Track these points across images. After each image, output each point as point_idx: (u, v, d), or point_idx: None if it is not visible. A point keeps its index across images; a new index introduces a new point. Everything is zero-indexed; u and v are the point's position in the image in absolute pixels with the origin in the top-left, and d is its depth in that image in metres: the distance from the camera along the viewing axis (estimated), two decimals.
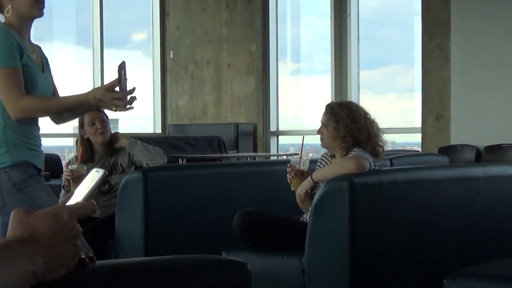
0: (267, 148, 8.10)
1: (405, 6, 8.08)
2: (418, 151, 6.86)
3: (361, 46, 7.89)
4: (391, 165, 4.15)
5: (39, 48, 2.28)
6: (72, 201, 0.78)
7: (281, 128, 8.30)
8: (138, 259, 0.86)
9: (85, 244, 2.34)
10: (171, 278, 0.76)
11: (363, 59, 7.89)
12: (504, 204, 3.17)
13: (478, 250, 2.91)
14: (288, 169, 2.98)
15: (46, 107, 2.11)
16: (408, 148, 7.59)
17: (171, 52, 8.65)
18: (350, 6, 7.73)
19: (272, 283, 2.95)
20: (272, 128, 8.12)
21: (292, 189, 2.97)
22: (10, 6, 2.04)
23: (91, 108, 2.25)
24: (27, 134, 2.13)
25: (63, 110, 2.17)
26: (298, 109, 9.07)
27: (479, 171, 3.33)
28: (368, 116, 2.94)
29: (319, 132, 2.91)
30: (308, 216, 2.85)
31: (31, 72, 2.05)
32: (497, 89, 6.68)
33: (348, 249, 2.54)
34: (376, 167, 2.84)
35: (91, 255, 0.72)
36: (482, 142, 6.51)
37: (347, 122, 2.84)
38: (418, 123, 7.09)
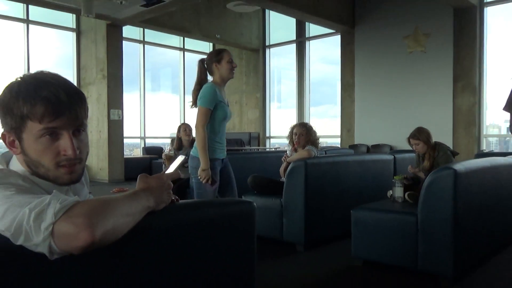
0: (264, 145, 10.74)
1: (333, 74, 10.00)
2: (338, 147, 9.05)
3: (311, 94, 10.47)
4: (325, 153, 5.08)
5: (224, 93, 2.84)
6: (168, 171, 1.10)
7: (272, 135, 11.13)
8: (192, 200, 1.17)
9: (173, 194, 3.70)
10: (207, 209, 1.09)
11: (312, 101, 10.54)
12: (375, 171, 4.23)
13: (368, 196, 3.66)
14: (282, 159, 3.94)
15: (201, 149, 2.70)
16: (334, 145, 9.64)
17: None
18: (305, 74, 10.37)
19: (267, 212, 3.69)
20: (267, 134, 10.89)
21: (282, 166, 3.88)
22: (217, 72, 2.77)
23: None
24: (216, 138, 2.74)
25: (200, 150, 2.71)
26: (279, 125, 10.93)
27: (367, 157, 4.46)
28: (314, 129, 3.96)
29: (297, 137, 3.83)
30: (283, 179, 3.75)
31: (224, 108, 2.75)
32: (378, 117, 8.70)
33: (304, 197, 3.43)
34: (318, 155, 3.79)
35: (177, 198, 1.02)
36: (370, 142, 8.79)
37: (307, 132, 3.87)
38: (338, 133, 9.55)
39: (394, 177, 3.52)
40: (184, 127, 4.73)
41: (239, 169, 4.35)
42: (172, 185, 0.97)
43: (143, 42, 10.45)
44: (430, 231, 2.80)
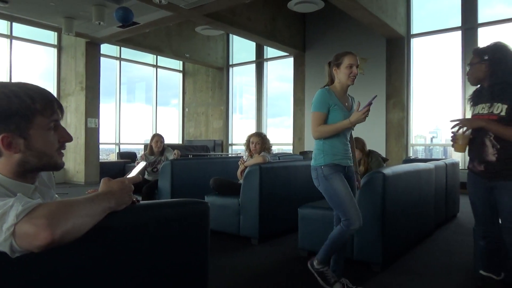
0: (227, 151, 10.67)
1: (287, 91, 10.11)
2: (290, 153, 8.74)
3: (269, 107, 10.52)
4: (278, 159, 5.35)
5: (352, 98, 2.44)
6: (130, 175, 1.06)
7: (234, 142, 10.99)
8: (154, 201, 1.11)
9: (144, 195, 3.35)
10: (164, 210, 1.06)
11: (269, 113, 10.51)
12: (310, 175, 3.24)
13: (314, 196, 3.22)
14: (239, 162, 3.86)
15: (328, 132, 2.25)
16: (287, 152, 9.42)
17: (187, 108, 11.38)
18: (263, 90, 10.43)
19: (227, 210, 3.67)
20: (230, 142, 10.83)
21: (240, 171, 3.79)
22: (336, 76, 2.33)
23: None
24: (334, 146, 2.28)
25: (334, 133, 2.27)
26: (240, 134, 10.80)
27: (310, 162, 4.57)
28: (268, 138, 3.96)
29: (254, 145, 3.81)
30: (241, 181, 3.63)
31: (338, 112, 2.26)
32: None
33: (258, 197, 3.49)
34: (271, 160, 3.83)
35: (137, 199, 0.99)
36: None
37: (263, 141, 3.89)
38: (291, 141, 9.64)
39: None
40: (156, 140, 4.56)
41: (203, 172, 4.37)
42: (133, 188, 0.95)
43: (120, 58, 10.23)
44: (364, 225, 2.86)
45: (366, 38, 8.31)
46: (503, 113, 2.05)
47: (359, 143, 3.76)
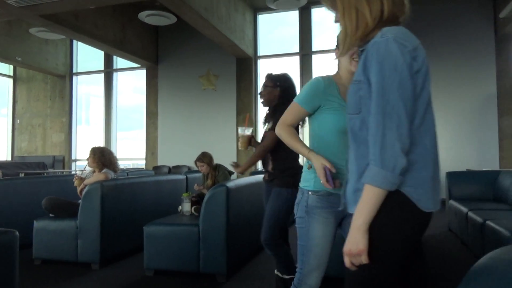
0: (70, 168, 9.77)
1: (142, 103, 9.55)
2: (143, 168, 8.78)
3: (122, 120, 9.88)
4: (127, 175, 5.39)
5: None
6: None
7: (79, 157, 10.07)
8: None
9: None
10: None
11: (123, 126, 9.99)
12: (169, 190, 4.22)
13: (163, 212, 3.73)
14: (74, 179, 3.54)
15: (287, 143, 1.69)
16: (139, 167, 9.22)
17: (18, 119, 10.18)
18: (112, 101, 9.77)
19: (62, 234, 3.34)
20: (73, 157, 10.00)
21: (75, 184, 3.53)
22: (341, 64, 1.70)
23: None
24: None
25: (292, 149, 1.68)
26: (87, 149, 9.40)
27: (162, 177, 4.39)
28: (110, 153, 3.71)
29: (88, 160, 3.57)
30: (80, 200, 3.35)
31: (338, 112, 1.59)
32: (178, 141, 8.83)
33: (99, 217, 3.24)
34: (115, 177, 3.59)
35: None
36: (171, 163, 8.70)
37: (94, 156, 3.61)
38: (143, 156, 9.39)
39: (183, 194, 3.63)
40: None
41: (37, 193, 3.91)
42: None
43: None
44: (209, 238, 2.98)
45: (218, 55, 8.69)
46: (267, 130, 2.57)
47: (206, 157, 3.88)
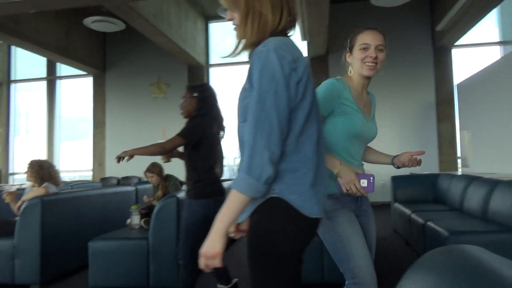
0: (7, 182, 9.07)
1: (88, 112, 9.27)
2: (89, 180, 8.52)
3: (65, 130, 9.56)
4: (71, 188, 5.06)
5: (373, 97, 1.72)
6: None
7: (17, 171, 9.49)
8: None
9: None
10: None
11: (68, 136, 9.60)
12: (117, 202, 3.98)
13: (111, 226, 3.56)
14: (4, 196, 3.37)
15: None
16: (86, 179, 8.81)
17: None
18: (55, 110, 9.35)
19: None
20: (10, 171, 9.45)
21: (7, 200, 3.35)
22: (352, 66, 1.63)
23: None
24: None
25: None
26: (26, 161, 10.02)
27: (110, 190, 4.18)
28: (51, 166, 3.52)
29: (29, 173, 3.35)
30: (17, 218, 3.15)
31: (352, 116, 1.54)
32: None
33: (40, 235, 3.03)
34: (57, 191, 3.40)
35: None
36: (121, 174, 8.42)
37: (39, 170, 3.36)
38: (90, 167, 9.09)
39: (132, 207, 3.51)
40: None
41: None
42: None
43: None
44: (159, 252, 2.90)
45: (169, 63, 8.57)
46: None
47: (156, 168, 3.80)
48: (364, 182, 1.47)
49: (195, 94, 2.44)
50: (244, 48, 1.13)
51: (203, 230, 1.08)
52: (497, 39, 7.85)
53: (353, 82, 1.62)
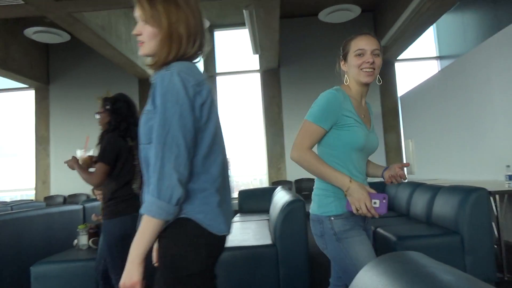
0: None
1: (29, 128, 9.16)
2: (32, 200, 7.98)
3: (5, 147, 9.23)
4: (11, 209, 4.76)
5: (369, 106, 1.72)
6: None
7: None
8: None
9: None
10: None
11: (6, 153, 9.07)
12: (63, 223, 3.77)
13: (57, 248, 3.38)
14: None
15: (314, 171, 1.45)
16: (28, 199, 8.31)
17: None
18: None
19: None
20: None
21: None
22: (348, 74, 1.59)
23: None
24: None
25: (319, 177, 1.50)
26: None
27: (54, 209, 3.92)
28: None
29: None
30: None
31: (354, 129, 1.49)
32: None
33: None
34: None
35: None
36: (67, 192, 7.90)
37: None
38: (33, 185, 8.41)
39: (79, 226, 3.34)
40: None
41: None
42: None
43: None
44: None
45: (119, 75, 8.33)
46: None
47: None
48: (376, 203, 1.39)
49: (107, 107, 2.31)
50: (153, 66, 1.13)
51: (126, 249, 1.06)
52: (435, 54, 8.45)
53: (351, 91, 1.57)
